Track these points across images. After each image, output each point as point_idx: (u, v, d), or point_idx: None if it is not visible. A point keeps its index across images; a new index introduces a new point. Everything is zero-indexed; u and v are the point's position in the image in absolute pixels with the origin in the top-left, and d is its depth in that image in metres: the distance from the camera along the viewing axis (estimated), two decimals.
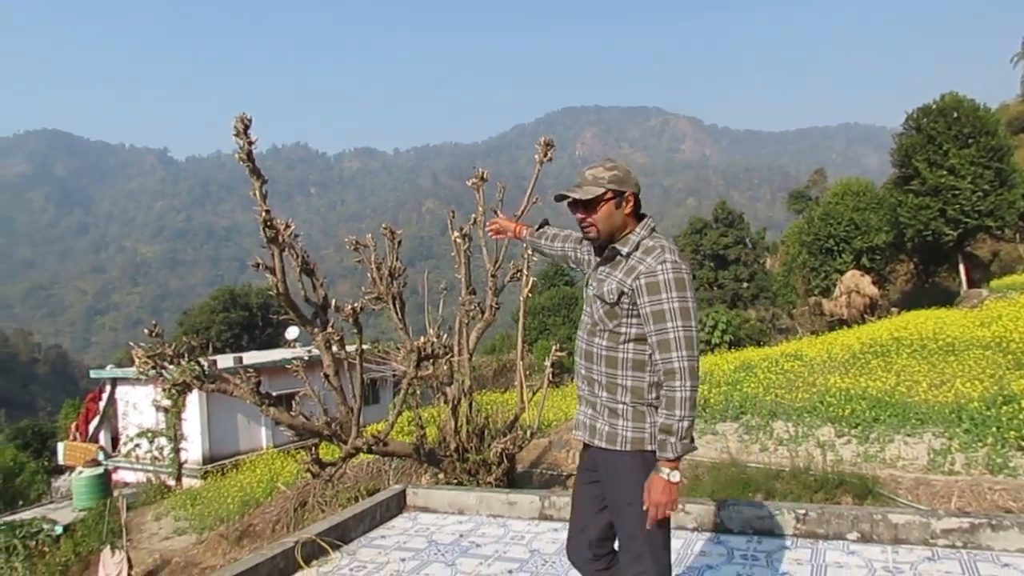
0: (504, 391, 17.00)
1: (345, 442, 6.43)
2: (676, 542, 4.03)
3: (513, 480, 7.29)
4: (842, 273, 28.48)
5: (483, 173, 7.36)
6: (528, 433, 7.49)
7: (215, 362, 6.54)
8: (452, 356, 7.07)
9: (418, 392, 8.91)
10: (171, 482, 18.48)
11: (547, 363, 7.87)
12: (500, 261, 7.38)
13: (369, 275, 6.86)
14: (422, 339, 5.97)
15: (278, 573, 3.74)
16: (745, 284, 37.72)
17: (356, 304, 5.94)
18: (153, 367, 5.90)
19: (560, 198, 2.47)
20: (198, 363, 5.98)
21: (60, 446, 23.70)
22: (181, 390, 6.63)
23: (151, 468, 19.29)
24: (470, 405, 6.97)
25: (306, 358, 8.83)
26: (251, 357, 21.44)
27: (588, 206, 2.39)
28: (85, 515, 14.98)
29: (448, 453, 6.53)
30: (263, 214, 5.91)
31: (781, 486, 6.31)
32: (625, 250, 2.39)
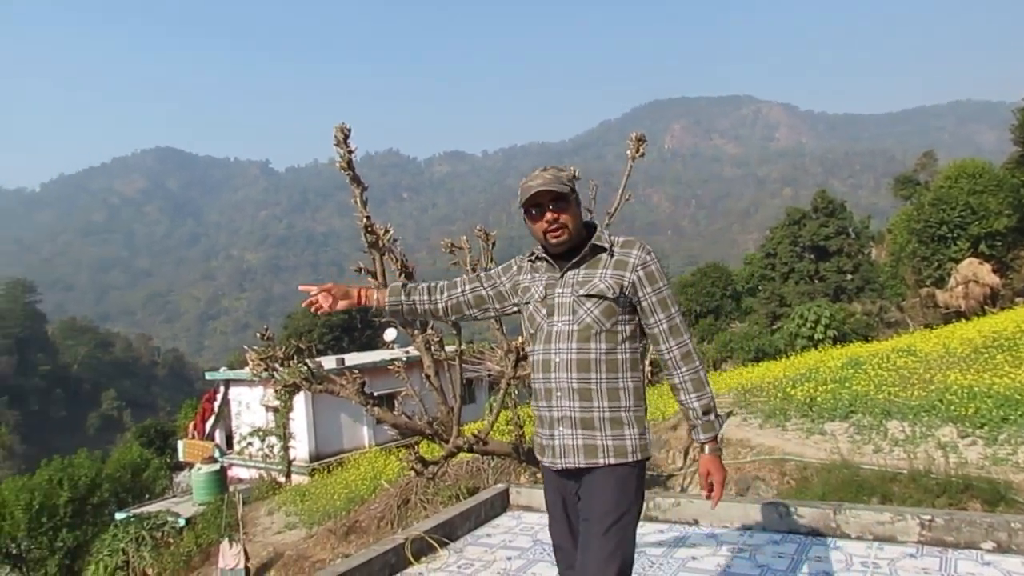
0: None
1: (446, 441, 6.55)
2: (790, 546, 3.89)
3: None
4: (957, 262, 26.81)
5: (574, 171, 7.34)
6: None
7: (320, 364, 6.79)
8: None
9: (515, 392, 8.98)
10: (281, 479, 19.34)
11: (646, 362, 7.78)
12: None
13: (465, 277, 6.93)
14: (520, 339, 5.99)
15: (389, 568, 3.84)
16: (849, 276, 36.02)
17: None
18: (265, 369, 6.19)
19: (533, 199, 2.27)
20: (307, 365, 6.23)
21: (180, 444, 25.22)
22: (291, 391, 6.92)
23: (262, 465, 20.26)
24: None
25: (404, 359, 9.05)
26: (352, 359, 22.15)
27: (559, 204, 2.28)
28: (204, 509, 15.88)
29: None
30: (363, 220, 6.09)
31: (899, 490, 5.99)
32: (606, 245, 2.34)
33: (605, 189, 7.44)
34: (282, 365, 6.32)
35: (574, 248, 2.34)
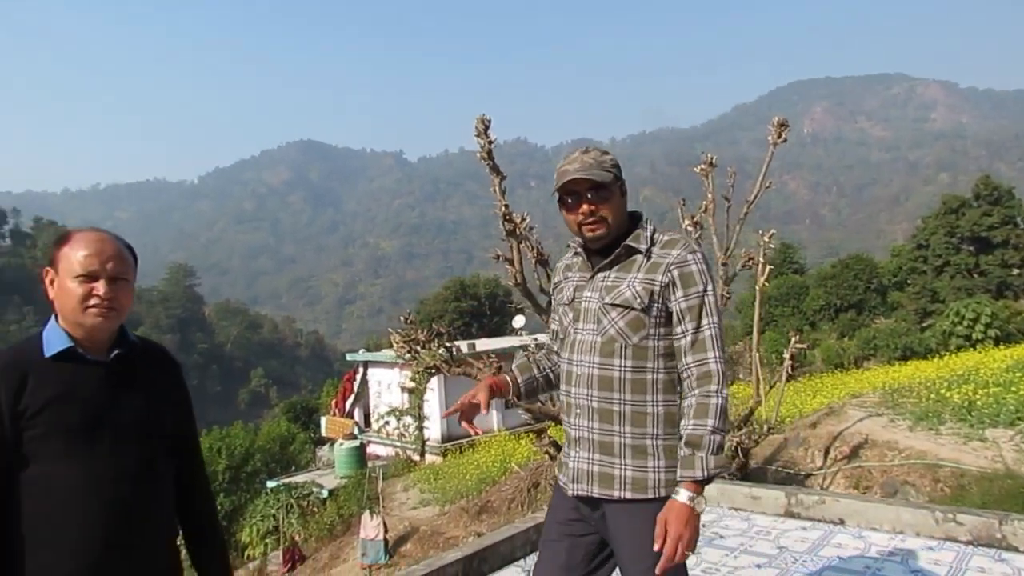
0: (730, 384, 16.46)
1: None
2: (947, 554, 3.69)
3: (747, 475, 7.06)
4: None
5: (711, 158, 7.18)
6: (764, 428, 7.22)
7: (459, 347, 7.04)
8: None
9: None
10: (416, 457, 20.21)
11: (786, 355, 7.52)
12: (731, 249, 7.17)
13: None
14: None
15: (530, 546, 3.98)
16: (1015, 271, 32.92)
17: None
18: (408, 351, 6.52)
19: (568, 186, 1.99)
20: (446, 348, 6.50)
21: (323, 420, 26.84)
22: (431, 372, 7.26)
23: (398, 444, 21.23)
24: None
25: (534, 345, 9.22)
26: (482, 344, 22.71)
27: (599, 194, 1.98)
28: (345, 482, 16.86)
29: None
30: (502, 208, 6.26)
31: None
32: (642, 246, 2.01)
33: (739, 177, 7.24)
34: (423, 348, 6.64)
35: (612, 244, 2.03)
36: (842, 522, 4.27)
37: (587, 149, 2.07)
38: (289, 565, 13.50)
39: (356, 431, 22.69)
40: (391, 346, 6.94)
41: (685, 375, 1.94)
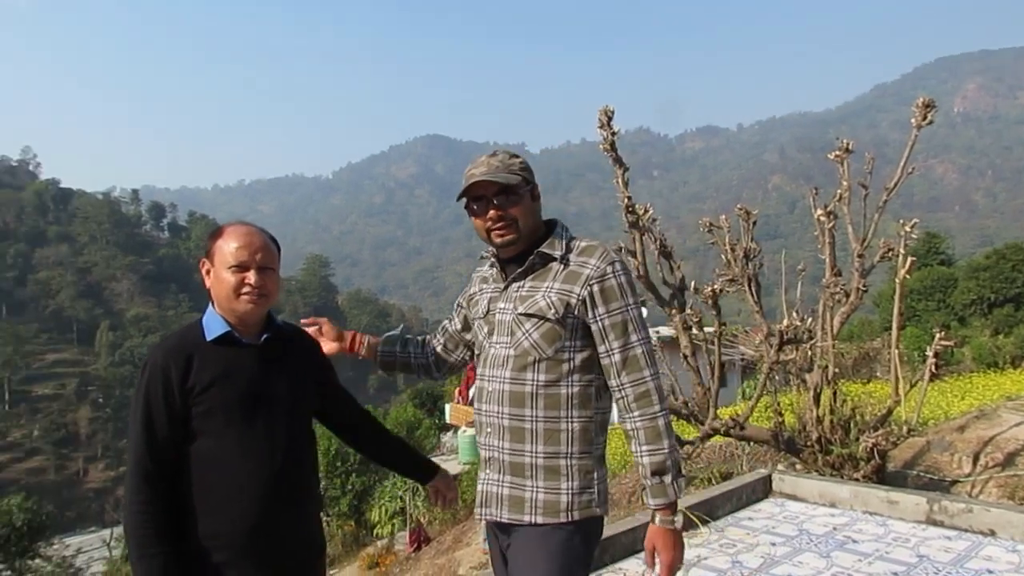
0: (866, 382, 15.58)
1: (702, 422, 6.51)
2: None
3: (884, 479, 6.68)
4: None
5: (848, 144, 6.81)
6: (904, 429, 6.80)
7: None
8: (814, 341, 6.71)
9: (776, 377, 8.62)
10: None
11: (930, 352, 7.04)
12: (868, 240, 6.79)
13: (723, 256, 6.80)
14: (785, 322, 5.77)
15: None
16: None
17: (715, 286, 5.97)
18: None
19: (473, 190, 1.90)
20: None
21: (447, 407, 27.60)
22: None
23: None
24: (834, 394, 6.56)
25: (656, 338, 9.10)
26: None
27: (508, 198, 1.88)
28: (468, 468, 17.30)
29: (809, 443, 6.24)
30: (625, 200, 6.23)
31: None
32: (557, 253, 1.90)
33: (878, 162, 6.83)
34: None
35: (526, 253, 1.93)
36: (993, 533, 3.97)
37: (495, 153, 1.96)
38: (415, 545, 14.00)
39: None
40: None
41: (619, 395, 1.84)
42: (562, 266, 1.88)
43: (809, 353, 6.64)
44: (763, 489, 4.85)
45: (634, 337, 1.83)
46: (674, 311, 6.61)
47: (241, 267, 1.79)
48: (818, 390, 6.38)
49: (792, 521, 4.31)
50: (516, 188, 1.89)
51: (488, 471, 1.93)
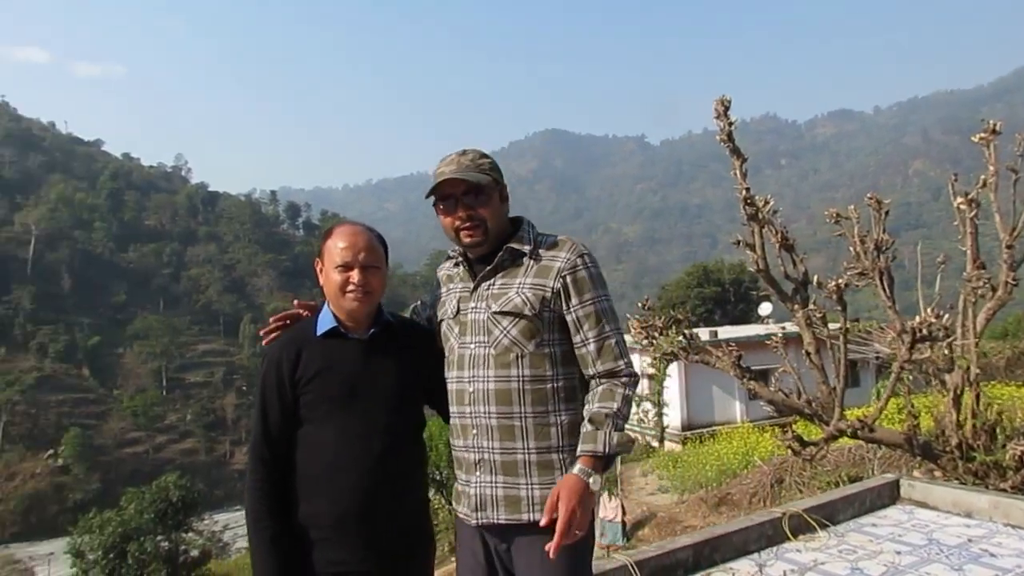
0: (1021, 385, 14.33)
1: (827, 423, 6.24)
2: None
3: None
4: None
5: (994, 125, 6.29)
6: None
7: (696, 335, 6.95)
8: (953, 339, 6.28)
9: (910, 378, 8.12)
10: (655, 444, 20.20)
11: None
12: (1019, 229, 6.26)
13: (852, 249, 6.48)
14: (918, 318, 5.43)
15: (766, 540, 3.87)
16: None
17: (840, 280, 5.70)
18: (646, 337, 6.56)
19: (441, 188, 1.89)
20: (684, 335, 6.45)
21: None
22: (668, 359, 7.24)
23: (637, 429, 21.35)
24: (977, 397, 6.11)
25: (781, 334, 8.76)
26: (725, 332, 22.01)
27: (477, 198, 1.89)
28: None
29: (948, 449, 5.84)
30: (743, 192, 6.05)
31: None
32: (526, 248, 1.91)
33: None
34: (660, 334, 6.64)
35: (494, 251, 1.93)
36: None
37: (464, 151, 1.94)
38: None
39: None
40: (629, 331, 7.05)
41: (595, 384, 1.86)
42: (532, 261, 1.90)
43: (948, 352, 6.21)
44: (890, 495, 4.60)
45: (608, 328, 1.86)
46: (797, 306, 6.37)
47: (346, 266, 1.89)
48: (959, 392, 5.96)
49: (921, 530, 4.07)
50: (485, 188, 1.89)
51: (478, 474, 1.90)
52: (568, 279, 1.86)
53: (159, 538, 20.85)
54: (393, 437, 1.90)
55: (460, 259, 2.01)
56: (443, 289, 2.07)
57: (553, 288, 1.85)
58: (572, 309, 1.86)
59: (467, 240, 1.92)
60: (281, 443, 1.87)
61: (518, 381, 1.85)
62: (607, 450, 1.77)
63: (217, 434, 73.68)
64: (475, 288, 1.94)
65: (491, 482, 1.87)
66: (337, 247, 1.91)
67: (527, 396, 1.84)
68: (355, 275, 1.89)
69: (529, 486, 1.83)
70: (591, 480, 1.74)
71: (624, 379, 1.85)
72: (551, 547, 1.67)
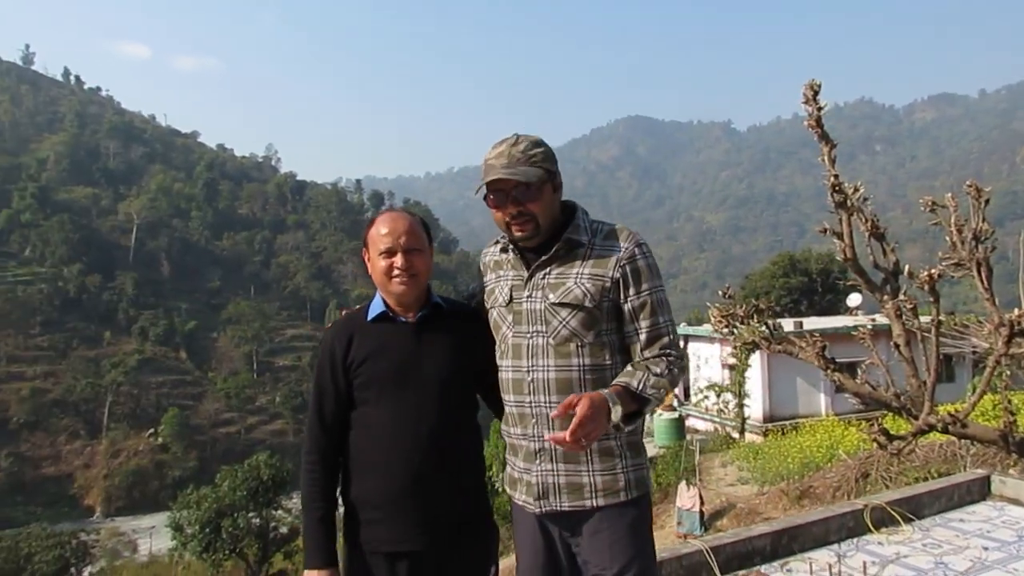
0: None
1: (916, 417, 6.05)
2: None
3: None
4: None
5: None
6: None
7: (780, 324, 6.86)
8: None
9: (1007, 374, 7.75)
10: (735, 435, 19.86)
11: None
12: None
13: (948, 239, 6.25)
14: (1017, 311, 5.21)
15: (847, 531, 3.85)
16: None
17: (933, 271, 5.52)
18: (726, 326, 6.52)
19: (493, 185, 1.84)
20: (766, 324, 6.37)
21: None
22: (750, 349, 7.15)
23: (717, 419, 21.03)
24: None
25: (869, 326, 8.50)
26: (811, 323, 21.37)
27: (527, 193, 1.83)
28: (664, 452, 17.24)
29: None
30: (831, 179, 5.93)
31: None
32: (584, 239, 1.87)
33: None
34: (742, 323, 6.59)
35: (550, 238, 1.89)
36: None
37: (517, 139, 1.87)
38: None
39: (675, 403, 22.95)
40: (710, 320, 7.00)
41: (640, 358, 1.88)
42: (589, 251, 1.87)
43: None
44: (980, 491, 4.46)
45: (662, 319, 1.86)
46: (886, 297, 6.20)
47: (389, 252, 1.94)
48: None
49: (1011, 527, 3.95)
50: (536, 184, 1.84)
51: (540, 463, 1.89)
52: (627, 268, 1.84)
53: (251, 514, 21.81)
54: (443, 418, 1.94)
55: (510, 245, 1.96)
56: (491, 276, 2.04)
57: (612, 278, 1.84)
58: (629, 299, 1.85)
59: (518, 234, 1.89)
60: (335, 426, 1.96)
61: (578, 370, 1.85)
62: (640, 387, 1.76)
63: (304, 416, 75.92)
64: (529, 277, 1.91)
65: (552, 470, 1.87)
66: (379, 234, 1.97)
67: (587, 385, 1.83)
68: (399, 259, 1.94)
69: (591, 473, 1.85)
70: (613, 407, 1.70)
71: (671, 357, 1.85)
72: (554, 437, 1.64)
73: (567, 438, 1.60)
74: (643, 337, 1.86)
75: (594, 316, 1.84)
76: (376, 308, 2.01)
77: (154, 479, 58.82)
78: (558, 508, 1.87)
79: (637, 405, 1.76)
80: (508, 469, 2.02)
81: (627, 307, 1.86)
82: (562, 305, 1.85)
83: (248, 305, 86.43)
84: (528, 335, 1.89)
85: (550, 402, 1.84)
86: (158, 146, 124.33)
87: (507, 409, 1.96)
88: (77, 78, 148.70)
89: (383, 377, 1.92)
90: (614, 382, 1.78)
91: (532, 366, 1.88)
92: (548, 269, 1.89)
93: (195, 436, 65.20)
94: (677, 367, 1.84)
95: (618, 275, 1.84)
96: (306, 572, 1.94)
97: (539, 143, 1.88)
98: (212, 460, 56.40)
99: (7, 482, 57.56)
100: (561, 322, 1.85)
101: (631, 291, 1.85)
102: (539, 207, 1.85)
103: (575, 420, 1.62)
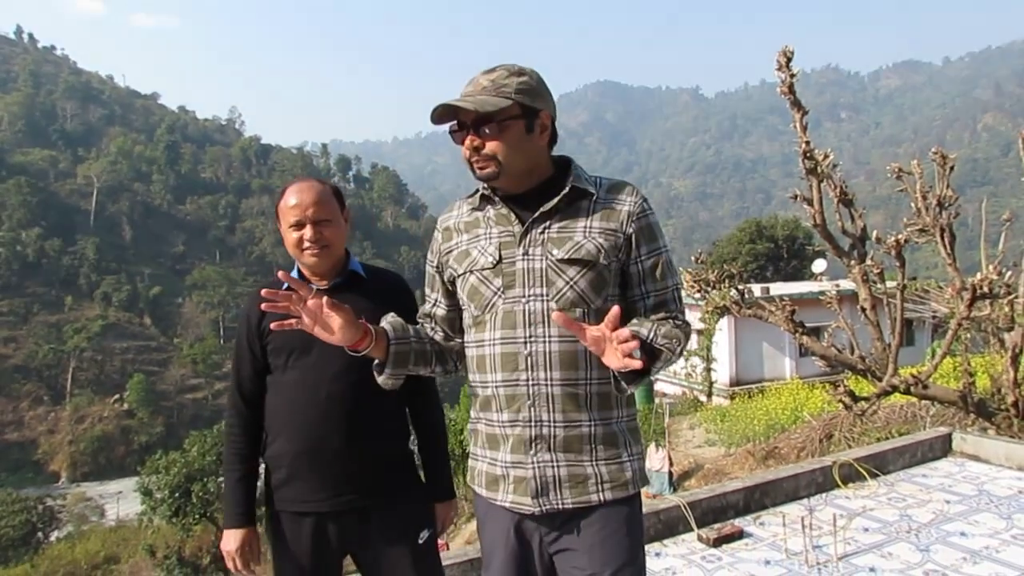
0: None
1: (879, 379, 6.25)
2: None
3: None
4: None
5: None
6: None
7: (750, 290, 6.99)
8: (1015, 297, 6.21)
9: (967, 337, 8.01)
10: (703, 398, 20.28)
11: None
12: None
13: (913, 205, 6.41)
14: (979, 275, 5.38)
15: (815, 486, 3.99)
16: None
17: (900, 236, 5.66)
18: (698, 290, 6.63)
19: (443, 113, 1.55)
20: (737, 289, 6.49)
21: None
22: (720, 313, 7.30)
23: (685, 384, 21.44)
24: None
25: (835, 292, 8.70)
26: (777, 288, 21.77)
27: (488, 129, 1.53)
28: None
29: (1003, 407, 5.82)
30: (803, 145, 6.00)
31: None
32: (592, 189, 1.62)
33: None
34: (713, 288, 6.70)
35: (541, 190, 1.61)
36: None
37: (494, 68, 1.60)
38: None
39: None
40: (682, 285, 7.10)
41: (644, 315, 1.64)
42: (593, 203, 1.61)
43: (1008, 311, 6.14)
44: (942, 448, 4.66)
45: (670, 281, 1.64)
46: (853, 262, 6.34)
47: (298, 224, 1.95)
48: (1018, 351, 5.91)
49: (972, 481, 4.13)
50: (495, 116, 1.53)
51: (535, 452, 1.58)
52: (640, 223, 1.60)
53: (220, 479, 21.86)
54: (348, 384, 1.94)
55: (496, 197, 1.65)
56: (463, 238, 1.69)
57: (626, 234, 1.59)
58: (638, 259, 1.60)
59: (478, 173, 1.59)
60: (253, 391, 2.02)
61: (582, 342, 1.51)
62: (650, 336, 1.50)
63: None
64: (525, 232, 1.59)
65: (551, 461, 1.57)
66: (288, 206, 1.97)
67: (594, 358, 1.53)
68: (308, 231, 1.95)
69: (595, 462, 1.57)
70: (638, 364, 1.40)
71: (678, 321, 1.62)
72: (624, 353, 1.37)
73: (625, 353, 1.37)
74: (650, 302, 1.62)
75: (603, 277, 1.57)
76: (292, 275, 1.97)
77: (120, 445, 58.39)
78: (560, 506, 1.58)
79: (647, 359, 1.45)
80: (479, 465, 1.70)
81: (635, 268, 1.61)
82: (570, 262, 1.56)
83: (213, 270, 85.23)
84: (524, 299, 1.58)
85: (551, 380, 1.56)
86: (117, 108, 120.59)
87: (483, 392, 1.66)
88: (31, 36, 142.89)
89: (292, 343, 1.93)
90: (628, 327, 1.46)
91: (530, 336, 1.57)
92: (548, 223, 1.59)
93: (161, 402, 64.67)
94: (684, 332, 1.59)
95: (631, 230, 1.59)
96: (224, 531, 2.03)
97: (520, 72, 1.58)
98: (179, 426, 56.09)
99: None
100: (568, 282, 1.56)
101: (643, 250, 1.60)
102: (499, 146, 1.54)
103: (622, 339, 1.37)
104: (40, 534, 27.99)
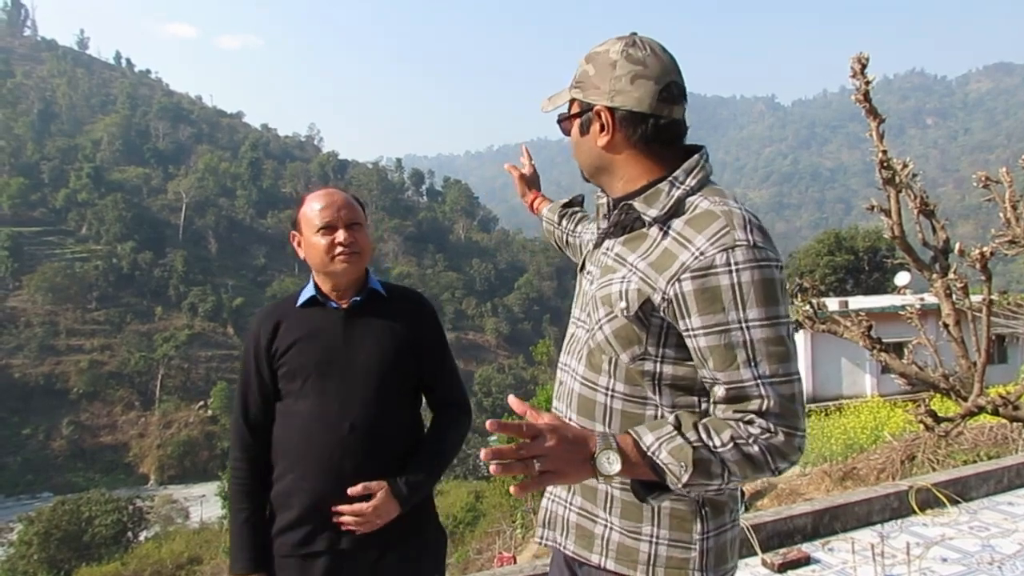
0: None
1: (965, 399, 5.94)
2: None
3: None
4: None
5: None
6: None
7: (824, 303, 6.76)
8: None
9: None
10: None
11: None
12: None
13: (1002, 215, 6.10)
14: None
15: (890, 511, 3.82)
16: None
17: (985, 248, 5.38)
18: None
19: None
20: (811, 304, 6.30)
21: None
22: (794, 328, 7.08)
23: None
24: None
25: (918, 306, 8.33)
26: (857, 302, 20.98)
27: (562, 122, 1.36)
28: None
29: None
30: (880, 154, 5.79)
31: None
32: (653, 212, 1.21)
33: None
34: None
35: (627, 198, 1.28)
36: None
37: (599, 45, 1.30)
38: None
39: None
40: None
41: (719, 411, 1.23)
42: (660, 234, 1.21)
43: None
44: None
45: (749, 371, 1.12)
46: (935, 276, 6.06)
47: (329, 227, 1.77)
48: None
49: None
50: (560, 116, 1.37)
51: (555, 488, 1.42)
52: (689, 286, 1.13)
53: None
54: (370, 413, 1.75)
55: (601, 193, 1.40)
56: (591, 227, 1.54)
57: (665, 292, 1.16)
58: (692, 333, 1.15)
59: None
60: (261, 421, 1.80)
61: (606, 394, 1.28)
62: (652, 447, 1.13)
63: None
64: (599, 243, 1.36)
65: (566, 500, 1.39)
66: (314, 210, 1.80)
67: (615, 416, 1.27)
68: (341, 234, 1.77)
69: (607, 524, 1.31)
70: (604, 453, 1.09)
71: (760, 430, 1.12)
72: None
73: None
74: (719, 393, 1.16)
75: (632, 332, 1.21)
76: (307, 293, 1.84)
77: (204, 450, 60.78)
78: (560, 547, 1.40)
79: (650, 472, 1.13)
80: None
81: (690, 343, 1.17)
82: (601, 301, 1.27)
83: (292, 282, 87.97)
84: (574, 321, 1.39)
85: (570, 419, 1.33)
86: (204, 127, 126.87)
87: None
88: (128, 61, 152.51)
89: (307, 366, 1.75)
90: (633, 428, 1.17)
91: (565, 364, 1.39)
92: (613, 242, 1.30)
93: None
94: (764, 447, 1.12)
95: (672, 293, 1.15)
96: None
97: (597, 54, 1.27)
98: None
99: (68, 449, 60.20)
100: (597, 323, 1.27)
101: (694, 321, 1.14)
102: (575, 146, 1.33)
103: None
104: (130, 534, 29.33)
